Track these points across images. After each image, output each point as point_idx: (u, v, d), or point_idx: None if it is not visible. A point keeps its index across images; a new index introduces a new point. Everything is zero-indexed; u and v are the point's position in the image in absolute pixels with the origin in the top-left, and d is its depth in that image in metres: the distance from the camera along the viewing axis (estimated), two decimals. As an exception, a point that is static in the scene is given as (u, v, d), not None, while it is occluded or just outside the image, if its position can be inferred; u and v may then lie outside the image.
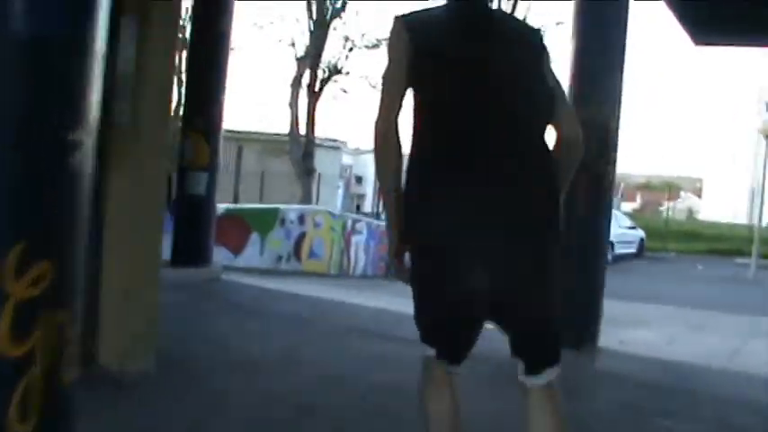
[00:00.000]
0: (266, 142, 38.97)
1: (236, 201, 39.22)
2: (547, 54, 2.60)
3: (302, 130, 33.80)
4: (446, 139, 2.45)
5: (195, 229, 8.51)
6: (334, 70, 35.41)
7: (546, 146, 2.52)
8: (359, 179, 76.92)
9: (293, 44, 34.80)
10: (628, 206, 53.20)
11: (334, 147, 44.24)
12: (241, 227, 10.94)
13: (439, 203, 2.41)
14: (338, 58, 35.60)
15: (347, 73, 36.78)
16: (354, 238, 13.19)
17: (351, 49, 35.82)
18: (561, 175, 2.53)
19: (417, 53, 2.46)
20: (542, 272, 2.47)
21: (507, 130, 2.43)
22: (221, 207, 11.07)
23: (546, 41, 2.62)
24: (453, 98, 2.44)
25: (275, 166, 36.68)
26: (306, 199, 33.01)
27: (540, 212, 2.44)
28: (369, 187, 77.93)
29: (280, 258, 11.69)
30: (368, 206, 76.57)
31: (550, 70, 2.60)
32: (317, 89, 34.09)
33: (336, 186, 46.33)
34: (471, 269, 2.40)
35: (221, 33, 8.51)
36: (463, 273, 2.41)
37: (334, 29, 35.53)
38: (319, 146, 37.70)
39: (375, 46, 36.70)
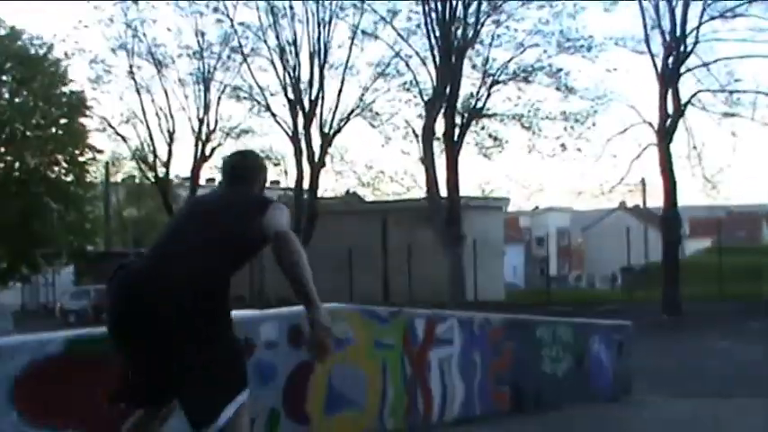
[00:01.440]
0: (407, 211, 33.09)
1: (385, 281, 33.52)
2: (254, 212, 3.74)
3: (443, 190, 27.78)
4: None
5: None
6: (474, 111, 29.16)
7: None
8: (539, 241, 69.64)
9: (414, 83, 29.15)
10: None
11: (492, 207, 37.38)
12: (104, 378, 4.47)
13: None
14: (476, 97, 29.43)
15: (492, 115, 30.46)
16: (434, 354, 6.87)
17: (492, 85, 29.65)
18: (293, 279, 3.58)
19: None
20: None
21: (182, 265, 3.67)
22: (55, 338, 4.89)
23: (262, 206, 3.78)
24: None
25: (423, 235, 30.82)
26: (455, 273, 26.75)
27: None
28: (553, 247, 70.62)
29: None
30: (553, 268, 69.20)
31: (266, 218, 3.72)
32: (455, 137, 28.02)
33: (501, 253, 39.11)
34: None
35: None
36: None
37: (473, 66, 29.62)
38: (470, 207, 31.44)
39: (519, 77, 30.22)
